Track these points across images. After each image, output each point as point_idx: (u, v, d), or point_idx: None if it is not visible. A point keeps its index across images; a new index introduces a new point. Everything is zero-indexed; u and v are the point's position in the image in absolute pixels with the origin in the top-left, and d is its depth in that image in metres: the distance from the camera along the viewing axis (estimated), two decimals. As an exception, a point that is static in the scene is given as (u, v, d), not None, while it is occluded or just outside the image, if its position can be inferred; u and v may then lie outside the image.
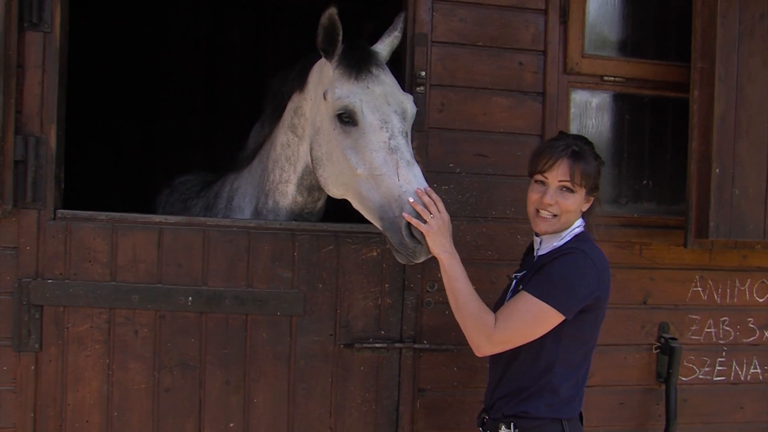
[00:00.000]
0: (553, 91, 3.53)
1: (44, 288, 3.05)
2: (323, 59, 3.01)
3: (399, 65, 3.40)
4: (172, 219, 3.19)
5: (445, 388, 3.45)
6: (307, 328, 3.23)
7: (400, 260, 2.70)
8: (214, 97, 7.29)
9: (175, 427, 3.17)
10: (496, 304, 2.88)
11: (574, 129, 3.63)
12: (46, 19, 3.08)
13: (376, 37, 3.20)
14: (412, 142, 3.29)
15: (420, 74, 3.35)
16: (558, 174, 2.62)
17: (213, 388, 3.18)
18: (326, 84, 2.95)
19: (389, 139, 2.75)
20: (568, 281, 2.53)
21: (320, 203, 3.35)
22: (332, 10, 2.80)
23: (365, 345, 3.25)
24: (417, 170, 2.70)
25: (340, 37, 2.91)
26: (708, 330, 3.77)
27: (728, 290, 3.79)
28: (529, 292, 2.57)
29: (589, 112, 3.73)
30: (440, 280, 3.35)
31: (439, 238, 2.60)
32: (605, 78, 3.65)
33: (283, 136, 3.27)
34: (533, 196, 2.71)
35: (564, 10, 3.53)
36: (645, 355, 3.71)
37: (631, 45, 3.79)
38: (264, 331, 3.20)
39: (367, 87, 2.84)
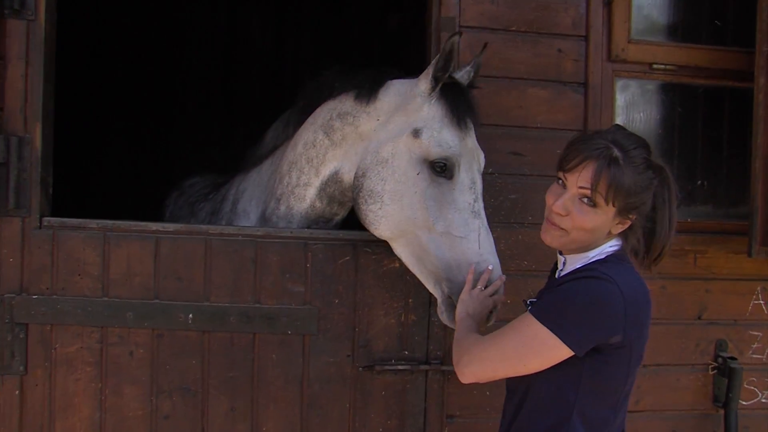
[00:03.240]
0: (597, 80, 3.24)
1: (29, 304, 2.82)
2: (410, 84, 2.77)
3: (423, 51, 3.11)
4: (170, 227, 2.92)
5: (476, 414, 3.17)
6: (322, 348, 2.97)
7: (446, 321, 2.67)
8: (232, 94, 7.15)
9: (175, 458, 2.91)
10: None
11: (619, 123, 3.28)
12: (30, 5, 2.83)
13: (400, 31, 2.90)
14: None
15: (447, 63, 3.02)
16: (579, 178, 2.07)
17: (217, 416, 2.93)
18: (417, 118, 2.70)
19: (474, 201, 2.66)
20: (580, 307, 2.02)
21: (337, 218, 3.10)
22: (455, 39, 2.61)
23: (387, 367, 2.97)
24: (492, 240, 2.65)
25: (453, 69, 2.72)
26: None
27: None
28: (531, 313, 2.11)
29: (637, 105, 3.44)
30: None
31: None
32: (654, 66, 3.35)
33: (310, 134, 2.98)
34: (549, 198, 2.19)
35: (608, -10, 3.25)
36: (700, 377, 3.39)
37: (683, 29, 3.48)
38: (273, 351, 2.95)
39: (464, 139, 2.70)
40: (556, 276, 2.28)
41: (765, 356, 3.44)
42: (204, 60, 7.09)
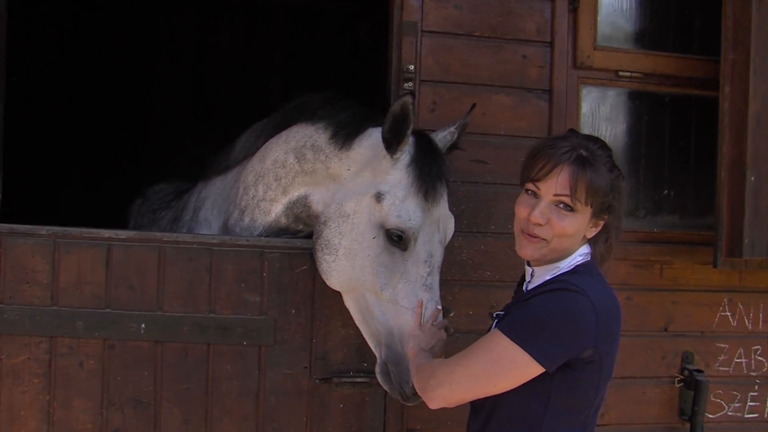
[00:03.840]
0: (562, 88, 3.21)
1: (-26, 314, 2.73)
2: (379, 134, 2.62)
3: (385, 56, 3.06)
4: (122, 234, 2.84)
5: (437, 428, 3.10)
6: (278, 359, 2.89)
7: (388, 390, 2.63)
8: (202, 102, 7.07)
9: (126, 473, 2.83)
10: None
11: (585, 131, 3.26)
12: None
13: (371, 38, 2.84)
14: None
15: (408, 68, 3.02)
16: (555, 185, 2.03)
17: (170, 429, 2.85)
18: (382, 181, 2.60)
19: (428, 275, 2.56)
20: (551, 322, 1.96)
21: (302, 234, 3.00)
22: (407, 99, 2.47)
23: (345, 379, 2.90)
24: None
25: (409, 132, 2.56)
26: (738, 360, 3.43)
27: (761, 315, 3.45)
28: (500, 330, 2.02)
29: (603, 113, 3.40)
30: None
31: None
32: (621, 73, 3.32)
33: (281, 153, 2.90)
34: (521, 211, 2.12)
35: (573, -5, 3.22)
36: (666, 389, 3.36)
37: (649, 36, 3.46)
38: (228, 363, 2.86)
39: (429, 209, 2.59)
40: (524, 289, 2.20)
41: (731, 369, 3.42)
42: (174, 68, 7.02)
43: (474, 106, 2.85)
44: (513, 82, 3.17)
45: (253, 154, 3.12)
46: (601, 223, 2.10)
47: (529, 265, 2.19)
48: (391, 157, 2.58)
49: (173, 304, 2.82)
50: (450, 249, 3.04)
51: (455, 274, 3.08)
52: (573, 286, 1.99)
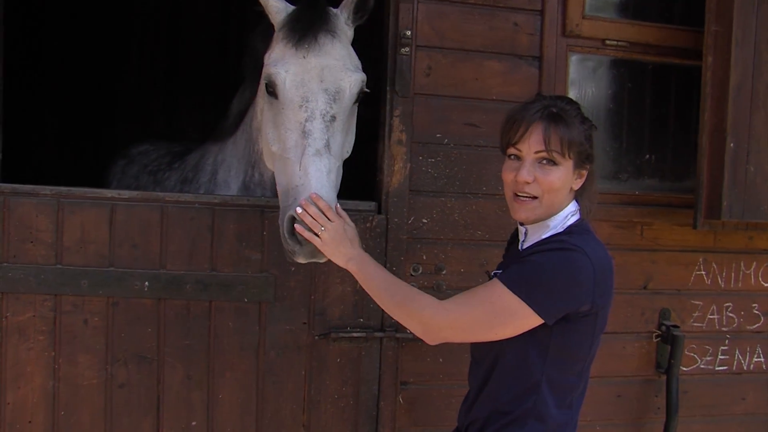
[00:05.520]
0: (551, 55, 3.25)
1: (-21, 272, 2.74)
2: None
3: (382, 24, 3.08)
4: (125, 194, 2.88)
5: (430, 380, 3.19)
6: (278, 316, 2.95)
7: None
8: (177, 64, 6.92)
9: (131, 426, 2.89)
10: None
11: (572, 97, 3.30)
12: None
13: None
14: (395, 109, 3.02)
15: (405, 34, 3.02)
16: (532, 143, 2.14)
17: (173, 383, 2.90)
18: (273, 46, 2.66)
19: (305, 120, 2.47)
20: (553, 278, 2.06)
21: None
22: None
23: (342, 334, 2.98)
24: (322, 163, 2.41)
25: None
26: (711, 317, 3.54)
27: (733, 274, 3.56)
28: (501, 281, 2.11)
29: (589, 79, 3.45)
30: (425, 262, 3.12)
31: (336, 249, 2.32)
32: (607, 42, 3.36)
33: (261, 101, 2.92)
34: (508, 175, 2.22)
35: (564, -35, 3.24)
36: (645, 344, 3.47)
37: (635, 6, 3.50)
38: (230, 319, 2.92)
39: (304, 57, 2.53)
40: (519, 248, 2.30)
41: (705, 324, 3.53)
42: (148, 29, 6.87)
43: None
44: (505, 48, 3.20)
45: (245, 109, 3.14)
46: (585, 173, 2.22)
47: (521, 224, 2.29)
48: (275, 22, 2.66)
49: (176, 262, 2.87)
50: (443, 209, 3.15)
51: (448, 234, 3.14)
52: (572, 246, 2.09)
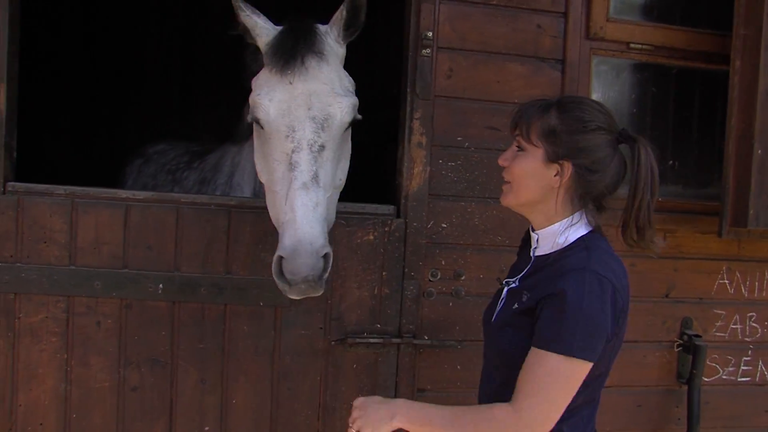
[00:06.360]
0: (575, 58, 3.19)
1: (-8, 272, 2.71)
2: None
3: (401, 25, 3.03)
4: (140, 194, 2.84)
5: (447, 387, 3.13)
6: (294, 320, 2.92)
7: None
8: (192, 63, 6.91)
9: (143, 430, 2.86)
10: (485, 311, 2.35)
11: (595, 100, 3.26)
12: (-7, -38, 2.70)
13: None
14: (415, 111, 2.97)
15: (427, 35, 2.97)
16: (516, 131, 2.15)
17: (186, 387, 2.87)
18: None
19: (292, 152, 2.34)
20: (589, 318, 1.93)
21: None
22: None
23: (359, 340, 2.93)
24: (309, 198, 2.28)
25: (249, 17, 2.58)
26: (734, 326, 3.47)
27: (757, 283, 3.49)
28: (547, 350, 1.95)
29: (612, 83, 3.39)
30: (444, 268, 3.07)
31: (379, 423, 2.06)
32: (632, 45, 3.30)
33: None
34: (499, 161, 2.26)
35: (588, -33, 3.18)
36: (666, 353, 3.40)
37: (660, 9, 3.43)
38: (245, 323, 2.89)
39: (290, 83, 2.40)
40: (531, 254, 2.21)
41: (727, 334, 3.46)
42: (163, 28, 6.85)
43: None
44: (527, 51, 3.15)
45: None
46: (568, 171, 2.06)
47: (533, 230, 2.22)
48: (261, 45, 2.55)
49: (191, 264, 2.83)
50: (463, 214, 3.09)
51: (467, 239, 3.08)
52: (592, 270, 1.97)
